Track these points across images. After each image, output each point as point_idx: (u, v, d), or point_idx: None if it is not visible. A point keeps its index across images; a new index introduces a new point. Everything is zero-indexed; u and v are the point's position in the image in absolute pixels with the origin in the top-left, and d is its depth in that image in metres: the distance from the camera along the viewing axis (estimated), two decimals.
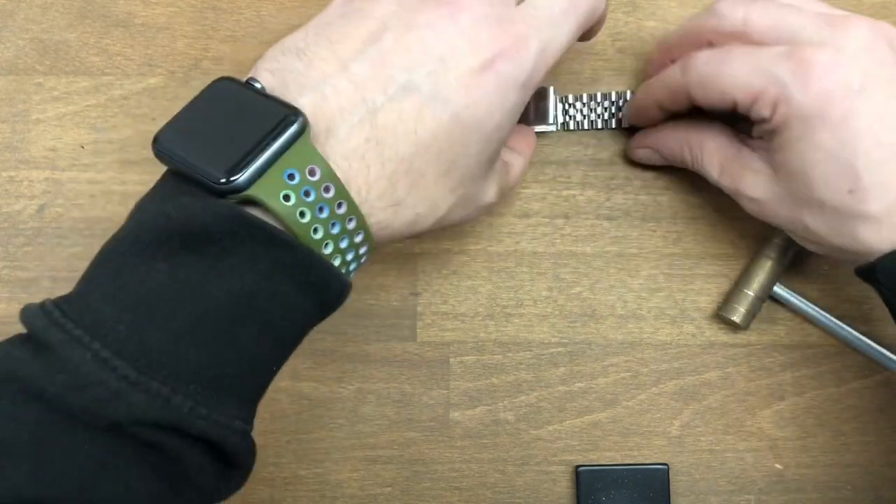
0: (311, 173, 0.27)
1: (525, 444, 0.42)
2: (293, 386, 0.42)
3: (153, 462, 0.26)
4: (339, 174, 0.28)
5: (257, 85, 0.29)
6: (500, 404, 0.42)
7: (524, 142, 0.40)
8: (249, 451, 0.29)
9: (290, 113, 0.27)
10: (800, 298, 0.41)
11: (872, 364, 0.42)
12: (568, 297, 0.43)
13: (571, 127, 0.43)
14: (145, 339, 0.26)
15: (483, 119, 0.30)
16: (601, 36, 0.43)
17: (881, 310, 0.42)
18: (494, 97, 0.30)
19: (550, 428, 0.42)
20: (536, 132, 0.42)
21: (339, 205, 0.28)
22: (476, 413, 0.42)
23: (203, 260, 0.26)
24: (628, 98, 0.42)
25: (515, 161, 0.38)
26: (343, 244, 0.29)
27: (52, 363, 0.25)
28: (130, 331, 0.26)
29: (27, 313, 0.27)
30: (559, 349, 0.42)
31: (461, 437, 0.42)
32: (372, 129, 0.29)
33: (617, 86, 0.43)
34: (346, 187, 0.28)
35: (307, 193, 0.27)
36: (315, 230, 0.28)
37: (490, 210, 0.37)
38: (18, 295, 0.42)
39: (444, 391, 0.42)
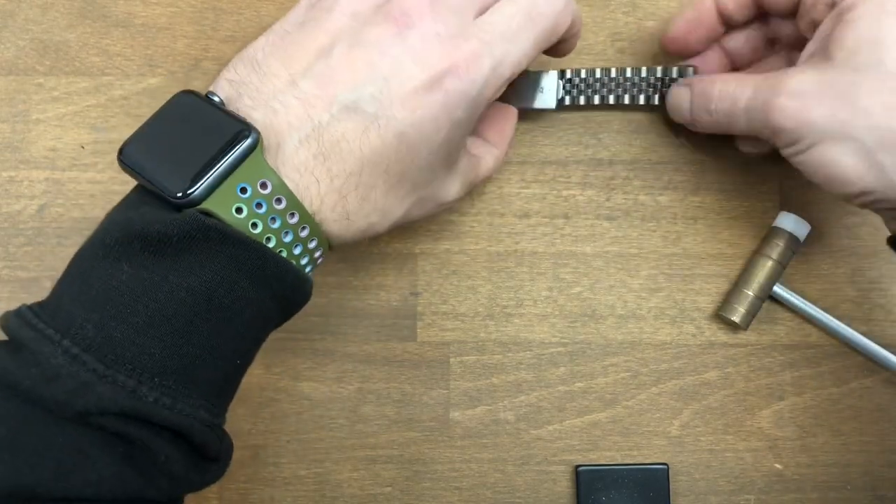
0: (263, 186, 0.29)
1: (525, 444, 0.42)
2: (293, 386, 0.42)
3: (123, 451, 0.27)
4: (290, 186, 0.29)
5: (216, 98, 0.30)
6: (500, 404, 0.42)
7: (499, 132, 0.39)
8: (219, 442, 0.30)
9: (243, 128, 0.28)
10: (800, 298, 0.41)
11: (872, 364, 0.42)
12: (568, 297, 0.43)
13: (567, 102, 0.42)
14: (111, 336, 0.27)
15: (430, 135, 0.31)
16: (601, 36, 0.43)
17: (881, 310, 0.42)
18: (441, 114, 0.30)
19: (550, 428, 0.42)
20: (535, 109, 0.41)
21: (292, 215, 0.29)
22: (476, 413, 0.42)
23: (163, 261, 0.27)
24: (628, 75, 0.41)
25: (487, 154, 0.38)
26: (297, 251, 0.30)
27: (26, 359, 0.27)
28: (97, 328, 0.27)
29: (4, 318, 0.28)
30: (559, 349, 0.42)
31: (461, 437, 0.42)
32: (319, 146, 0.30)
33: None
34: (300, 199, 0.29)
35: (259, 206, 0.29)
36: (268, 240, 0.29)
37: (457, 204, 0.37)
38: (18, 295, 0.42)
39: (444, 391, 0.42)
